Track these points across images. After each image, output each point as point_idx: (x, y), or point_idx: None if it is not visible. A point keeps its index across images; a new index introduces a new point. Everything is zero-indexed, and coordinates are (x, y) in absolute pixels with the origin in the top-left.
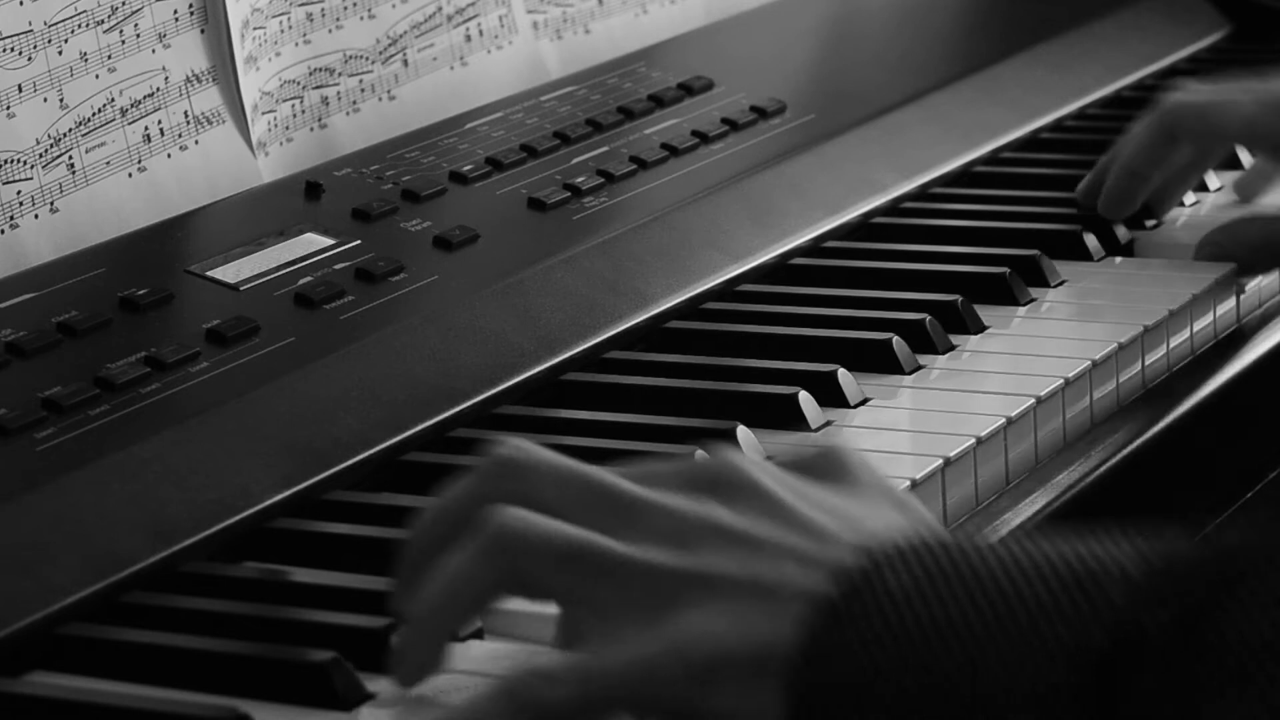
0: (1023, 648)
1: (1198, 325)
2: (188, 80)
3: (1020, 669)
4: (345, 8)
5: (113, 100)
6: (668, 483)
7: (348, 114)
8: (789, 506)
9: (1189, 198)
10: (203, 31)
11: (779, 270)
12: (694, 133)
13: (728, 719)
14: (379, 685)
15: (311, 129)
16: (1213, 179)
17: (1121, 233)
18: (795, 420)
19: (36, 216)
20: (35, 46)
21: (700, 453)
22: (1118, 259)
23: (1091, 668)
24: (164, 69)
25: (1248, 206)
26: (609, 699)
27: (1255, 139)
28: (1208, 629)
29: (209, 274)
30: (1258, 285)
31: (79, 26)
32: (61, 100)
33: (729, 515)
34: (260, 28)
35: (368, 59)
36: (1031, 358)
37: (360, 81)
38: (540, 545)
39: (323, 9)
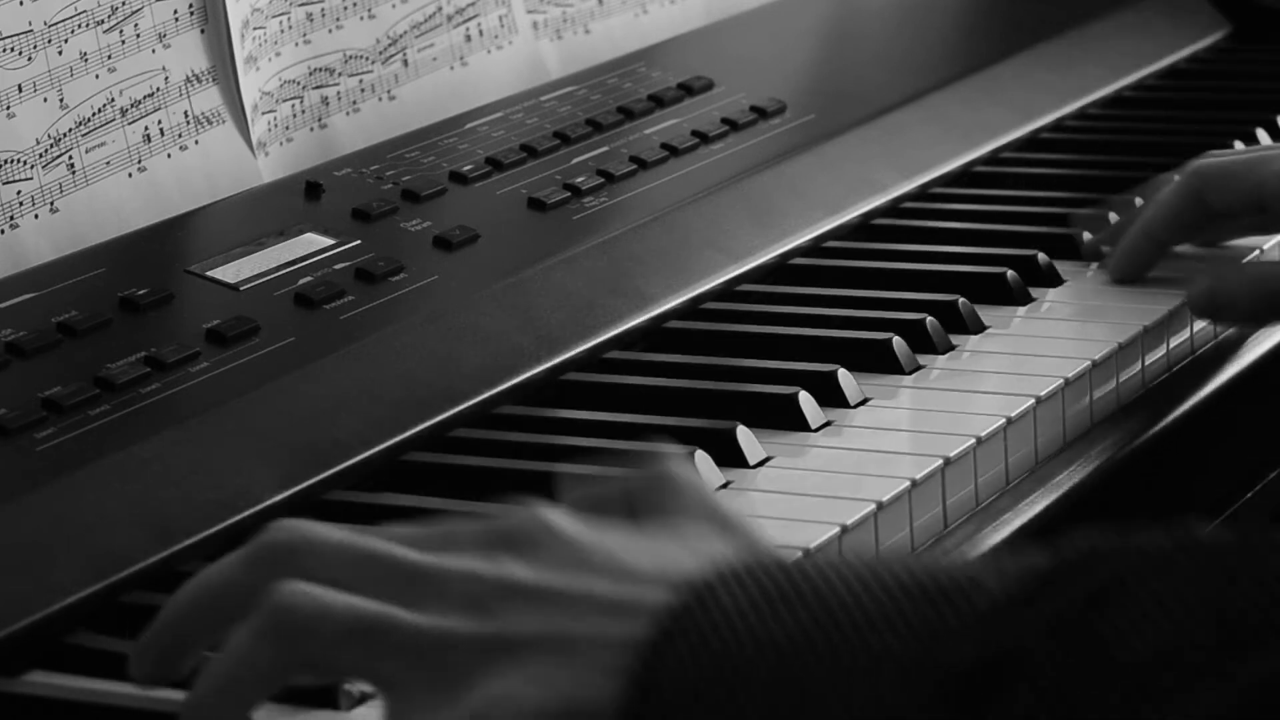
0: (865, 664)
1: (1198, 325)
2: (188, 80)
3: (863, 687)
4: (345, 8)
5: (113, 100)
6: (461, 544)
7: (348, 114)
8: (592, 550)
9: None
10: (203, 31)
11: (779, 270)
12: (694, 133)
13: None
14: None
15: (311, 129)
16: None
17: (1115, 222)
18: (795, 420)
19: (36, 216)
20: (35, 46)
21: (502, 508)
22: None
23: (946, 687)
24: (164, 69)
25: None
26: None
27: None
28: (1086, 640)
29: (209, 274)
30: None
31: (79, 26)
32: (61, 100)
33: (526, 570)
34: (260, 28)
35: (368, 59)
36: (1031, 358)
37: (360, 81)
38: (324, 621)
39: (323, 9)
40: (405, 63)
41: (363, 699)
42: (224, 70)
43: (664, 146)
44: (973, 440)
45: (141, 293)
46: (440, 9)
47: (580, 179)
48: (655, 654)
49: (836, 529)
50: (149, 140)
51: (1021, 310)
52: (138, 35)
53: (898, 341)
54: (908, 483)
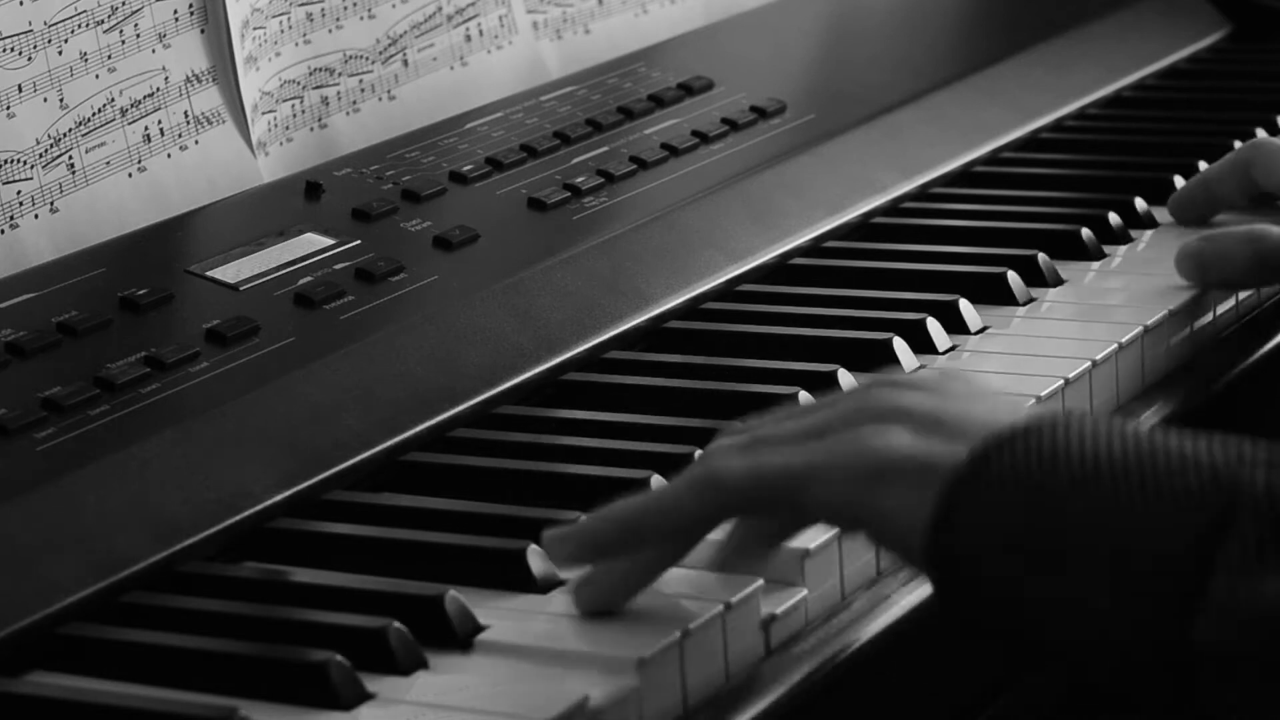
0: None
1: (1198, 324)
2: (188, 80)
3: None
4: (345, 8)
5: (113, 100)
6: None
7: (348, 114)
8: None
9: None
10: (203, 31)
11: (779, 270)
12: (694, 133)
13: (886, 518)
14: (379, 685)
15: (311, 129)
16: None
17: (1114, 221)
18: None
19: (36, 216)
20: (35, 46)
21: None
22: (1117, 259)
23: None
24: (164, 69)
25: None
26: (784, 481)
27: None
28: None
29: (209, 274)
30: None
31: (79, 26)
32: (61, 100)
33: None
34: (260, 28)
35: (368, 59)
36: (1031, 358)
37: (360, 81)
38: (741, 473)
39: (323, 9)
40: (405, 63)
41: (364, 698)
42: (224, 70)
43: (664, 146)
44: None
45: (141, 293)
46: (440, 9)
47: (580, 179)
48: (1002, 440)
49: (837, 529)
50: (149, 140)
51: (1021, 310)
52: (138, 35)
53: (898, 341)
54: None
